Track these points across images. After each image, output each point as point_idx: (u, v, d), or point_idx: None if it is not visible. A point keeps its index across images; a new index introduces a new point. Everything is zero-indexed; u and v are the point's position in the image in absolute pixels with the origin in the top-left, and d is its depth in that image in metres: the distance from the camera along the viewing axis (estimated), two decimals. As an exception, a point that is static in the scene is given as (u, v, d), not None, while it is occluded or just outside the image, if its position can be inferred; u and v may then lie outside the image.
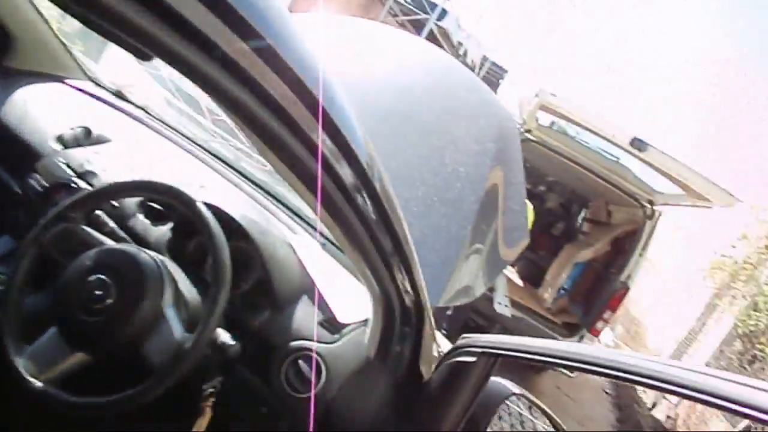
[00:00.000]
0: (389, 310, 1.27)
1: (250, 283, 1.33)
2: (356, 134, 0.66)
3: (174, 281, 1.11)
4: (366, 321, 1.40)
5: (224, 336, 1.10)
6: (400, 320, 1.29)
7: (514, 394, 1.25)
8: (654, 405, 6.96)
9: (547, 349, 0.96)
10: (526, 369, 6.08)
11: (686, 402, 6.85)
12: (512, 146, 2.18)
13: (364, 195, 0.78)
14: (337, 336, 1.31)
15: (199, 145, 1.95)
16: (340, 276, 1.53)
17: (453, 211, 1.86)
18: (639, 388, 7.45)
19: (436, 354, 1.80)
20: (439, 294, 1.74)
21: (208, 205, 1.28)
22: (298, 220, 1.74)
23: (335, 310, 1.35)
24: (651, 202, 5.31)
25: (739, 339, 6.21)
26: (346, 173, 0.69)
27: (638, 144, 4.06)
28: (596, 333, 5.37)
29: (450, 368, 1.14)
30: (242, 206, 1.58)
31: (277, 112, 0.54)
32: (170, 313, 1.04)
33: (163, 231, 1.36)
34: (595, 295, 5.69)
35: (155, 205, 1.42)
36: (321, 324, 1.32)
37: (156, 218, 1.40)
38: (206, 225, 1.08)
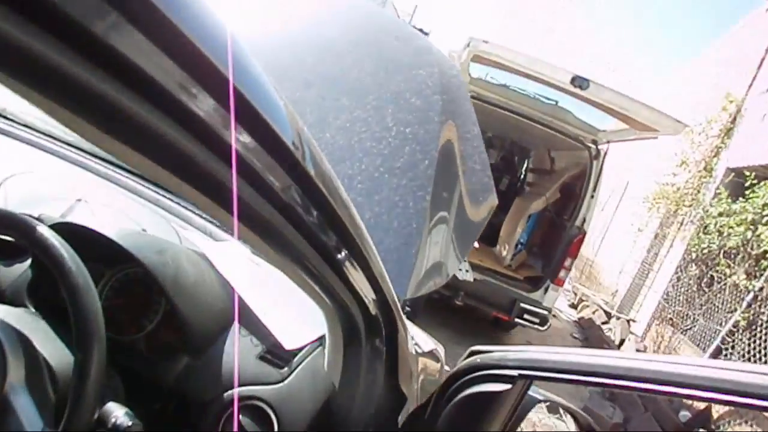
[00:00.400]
0: (349, 324, 0.96)
1: (155, 321, 0.98)
2: (277, 110, 0.47)
3: (28, 349, 0.74)
4: (322, 339, 1.08)
5: (117, 412, 0.75)
6: (366, 332, 0.98)
7: (539, 401, 0.97)
8: (622, 341, 7.04)
9: (605, 367, 0.68)
10: (494, 328, 5.97)
11: (651, 333, 6.95)
12: (460, 96, 1.88)
13: (296, 189, 0.56)
14: (286, 370, 0.98)
15: (80, 149, 1.55)
16: (282, 286, 1.19)
17: (406, 181, 1.55)
18: (604, 326, 7.52)
19: (413, 351, 1.50)
20: (406, 283, 1.44)
21: (68, 227, 0.91)
22: (218, 223, 1.38)
23: (279, 335, 1.02)
24: (595, 142, 5.20)
25: (693, 263, 6.30)
26: (268, 167, 0.49)
27: (579, 81, 3.86)
28: (560, 283, 5.28)
29: (469, 401, 0.83)
30: (133, 219, 1.21)
31: (160, 101, 0.35)
32: (20, 401, 0.68)
33: (19, 271, 0.98)
34: (553, 245, 5.59)
35: (5, 238, 1.03)
36: (262, 358, 0.98)
37: (10, 255, 1.01)
38: (53, 258, 0.71)
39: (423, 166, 1.57)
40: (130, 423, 0.73)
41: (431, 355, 1.75)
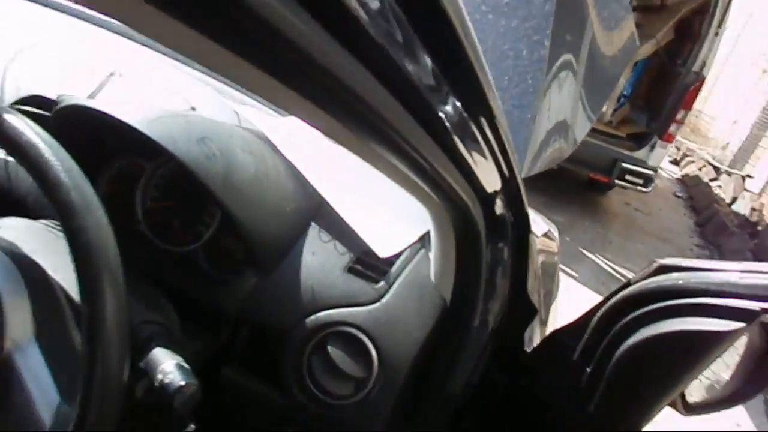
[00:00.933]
0: (465, 225, 0.69)
1: (213, 227, 0.76)
2: None
3: (41, 285, 0.54)
4: (424, 238, 0.83)
5: (167, 364, 0.55)
6: (487, 234, 0.71)
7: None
8: (734, 200, 6.40)
9: None
10: (587, 189, 5.58)
11: (770, 188, 6.24)
12: None
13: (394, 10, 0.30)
14: (382, 285, 0.75)
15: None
16: (371, 172, 0.93)
17: (518, 22, 1.19)
18: (713, 183, 6.86)
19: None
20: (522, 159, 1.13)
21: (83, 113, 0.67)
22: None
23: (370, 239, 0.77)
24: (727, -38, 4.25)
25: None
26: None
27: None
28: (670, 138, 4.69)
29: (669, 340, 0.56)
30: (181, 96, 0.97)
31: None
32: (28, 363, 0.49)
33: None
34: (662, 95, 4.89)
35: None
36: (351, 270, 0.76)
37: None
38: (32, 165, 0.47)
39: (539, 1, 1.19)
40: (182, 382, 0.54)
41: (545, 237, 1.49)
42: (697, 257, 4.85)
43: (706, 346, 0.52)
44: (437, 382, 0.75)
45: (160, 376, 0.54)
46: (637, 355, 0.57)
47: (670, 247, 4.93)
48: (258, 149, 0.79)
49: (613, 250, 4.44)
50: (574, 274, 3.70)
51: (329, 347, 0.70)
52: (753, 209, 5.92)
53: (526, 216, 0.74)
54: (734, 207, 6.27)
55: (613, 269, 4.06)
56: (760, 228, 5.49)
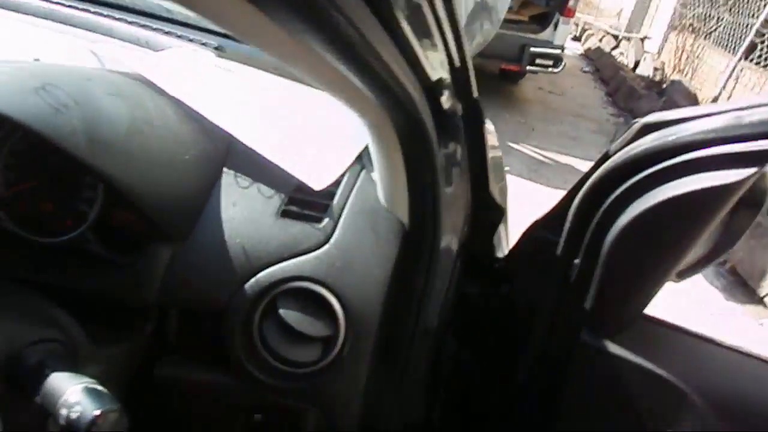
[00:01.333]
0: (410, 126, 0.56)
1: (99, 202, 0.59)
2: None
3: None
4: (363, 156, 0.70)
5: (70, 393, 0.41)
6: (437, 132, 0.59)
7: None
8: (637, 64, 6.59)
9: None
10: (500, 82, 5.55)
11: (668, 46, 6.44)
12: None
13: None
14: (327, 222, 0.62)
15: None
16: (279, 95, 0.77)
17: None
18: (615, 52, 7.02)
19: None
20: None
21: None
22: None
23: (299, 172, 0.64)
24: None
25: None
26: None
27: None
28: (571, 13, 4.67)
29: (669, 207, 0.46)
30: (23, 49, 0.76)
31: None
32: None
33: None
34: (556, -30, 4.81)
35: None
36: (287, 214, 0.62)
37: None
38: None
39: None
40: (96, 411, 0.40)
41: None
42: (614, 126, 5.01)
43: (714, 204, 0.43)
44: (412, 317, 0.65)
45: (64, 412, 0.40)
46: (632, 233, 0.49)
47: (588, 122, 5.04)
48: (131, 92, 0.62)
49: (537, 136, 4.48)
50: (505, 168, 3.71)
51: (281, 310, 0.57)
52: (655, 69, 6.13)
53: (477, 105, 0.63)
54: (638, 71, 6.47)
55: (541, 155, 4.10)
56: (665, 86, 5.71)
